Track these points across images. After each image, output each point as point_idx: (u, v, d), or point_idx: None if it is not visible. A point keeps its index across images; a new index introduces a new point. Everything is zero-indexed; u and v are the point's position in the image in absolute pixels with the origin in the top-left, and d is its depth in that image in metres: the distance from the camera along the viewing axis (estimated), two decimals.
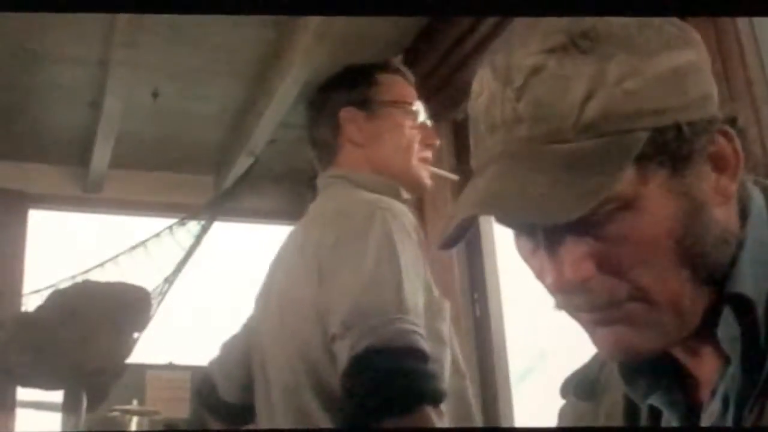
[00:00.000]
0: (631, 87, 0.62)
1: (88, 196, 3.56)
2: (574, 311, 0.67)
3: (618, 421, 0.75)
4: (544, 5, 0.70)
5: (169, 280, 3.21)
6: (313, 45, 2.49)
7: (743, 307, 0.63)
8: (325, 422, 1.31)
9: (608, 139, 0.62)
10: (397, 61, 1.66)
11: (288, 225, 1.55)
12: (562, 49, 0.64)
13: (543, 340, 2.55)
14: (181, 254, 3.28)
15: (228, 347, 1.58)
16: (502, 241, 2.66)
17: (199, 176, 3.63)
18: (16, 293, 3.23)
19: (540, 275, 0.67)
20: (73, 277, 3.11)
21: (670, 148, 0.63)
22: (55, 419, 2.87)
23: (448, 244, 0.67)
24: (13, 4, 1.07)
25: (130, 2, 1.13)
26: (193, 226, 3.35)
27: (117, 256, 3.20)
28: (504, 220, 0.67)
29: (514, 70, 0.65)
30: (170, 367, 3.30)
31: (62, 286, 3.03)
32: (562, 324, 0.72)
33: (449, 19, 2.45)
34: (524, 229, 0.67)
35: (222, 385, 1.54)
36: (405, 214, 1.38)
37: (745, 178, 0.68)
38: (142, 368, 3.18)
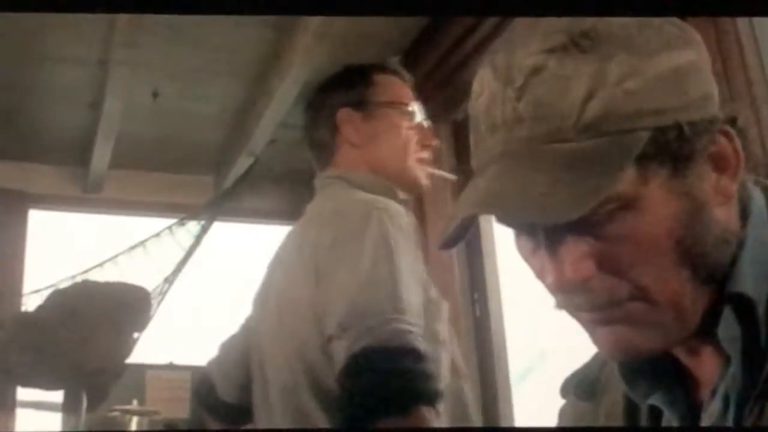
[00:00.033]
0: (631, 87, 0.62)
1: (88, 196, 3.56)
2: (574, 311, 0.67)
3: (618, 421, 0.75)
4: (544, 5, 0.70)
5: (169, 280, 3.21)
6: (313, 45, 2.49)
7: (744, 306, 0.63)
8: (323, 422, 1.31)
9: (609, 138, 0.62)
10: (395, 61, 1.66)
11: (288, 225, 1.55)
12: (563, 49, 0.64)
13: (543, 340, 2.56)
14: (180, 254, 3.28)
15: (226, 347, 1.58)
16: (502, 241, 2.66)
17: (199, 176, 3.63)
18: (16, 293, 3.23)
19: (540, 275, 0.67)
20: (73, 277, 3.10)
21: (671, 148, 0.63)
22: (55, 419, 2.87)
23: (449, 243, 0.67)
24: (13, 4, 1.07)
25: (130, 2, 1.13)
26: (193, 227, 3.35)
27: (116, 256, 3.20)
28: (504, 220, 0.67)
29: (515, 70, 0.65)
30: (170, 367, 3.30)
31: (62, 286, 3.03)
32: (562, 324, 0.72)
33: (449, 19, 2.45)
34: (525, 228, 0.67)
35: (220, 385, 1.55)
36: (402, 215, 1.38)
37: (745, 179, 0.69)
38: (142, 368, 3.18)
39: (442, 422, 1.29)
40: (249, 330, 1.53)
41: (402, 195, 1.51)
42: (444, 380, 1.34)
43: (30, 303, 3.10)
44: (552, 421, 0.85)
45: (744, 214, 0.68)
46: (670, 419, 0.70)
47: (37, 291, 3.13)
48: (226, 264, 3.47)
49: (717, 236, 0.65)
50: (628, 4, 0.67)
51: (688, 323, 0.65)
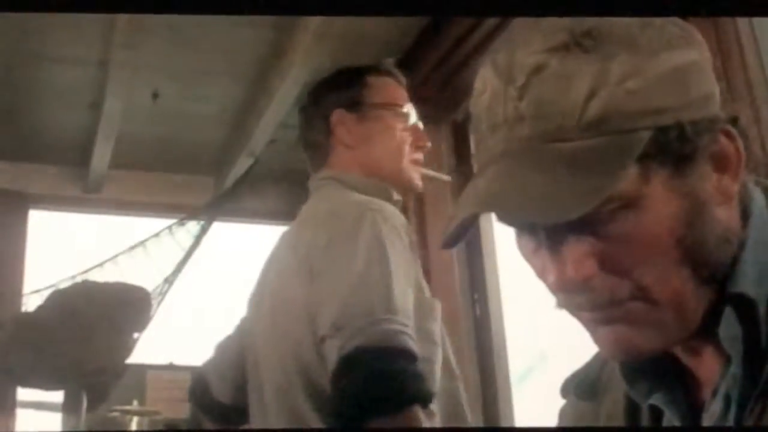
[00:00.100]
0: (633, 86, 0.62)
1: (88, 196, 3.56)
2: (575, 310, 0.67)
3: (619, 421, 0.75)
4: (544, 5, 0.70)
5: (169, 281, 3.21)
6: (313, 45, 2.49)
7: (745, 306, 0.63)
8: (317, 422, 1.32)
9: (610, 138, 0.62)
10: (389, 63, 1.67)
11: (287, 225, 1.56)
12: (565, 48, 0.64)
13: (543, 341, 2.56)
14: (180, 254, 3.28)
15: (222, 348, 1.58)
16: (502, 241, 2.67)
17: (198, 177, 3.63)
18: (16, 293, 3.23)
19: (541, 274, 0.67)
20: (73, 277, 3.11)
21: (673, 147, 0.63)
22: (55, 419, 2.87)
23: (450, 243, 0.67)
24: (13, 4, 1.07)
25: (130, 2, 1.13)
26: (193, 227, 3.35)
27: (116, 256, 3.20)
28: (505, 219, 0.67)
29: (517, 69, 0.65)
30: (171, 367, 3.30)
31: (62, 286, 3.03)
32: (563, 324, 0.72)
33: (449, 19, 2.45)
34: (526, 228, 0.67)
35: (216, 385, 1.55)
36: (395, 216, 1.39)
37: (746, 179, 0.69)
38: (142, 368, 3.18)
39: (436, 422, 1.30)
40: (244, 331, 1.54)
41: (396, 196, 1.51)
42: (437, 380, 1.35)
43: (30, 303, 3.10)
44: (552, 422, 0.85)
45: (745, 214, 0.68)
46: (671, 419, 0.70)
47: (37, 291, 3.13)
48: (226, 264, 3.47)
49: (718, 236, 0.65)
50: (628, 4, 0.67)
51: (688, 323, 0.65)
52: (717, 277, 0.65)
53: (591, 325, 0.67)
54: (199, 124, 3.26)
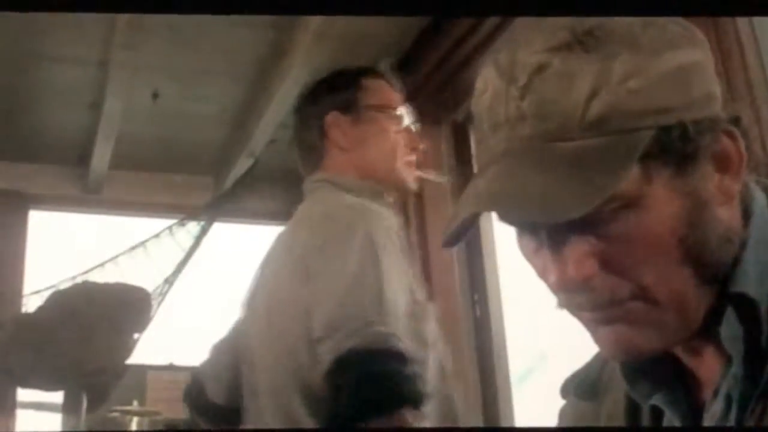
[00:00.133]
0: (635, 86, 0.62)
1: (88, 196, 3.56)
2: (576, 310, 0.67)
3: (620, 421, 0.75)
4: (544, 5, 0.70)
5: (169, 281, 3.21)
6: (313, 45, 2.49)
7: (746, 306, 0.63)
8: (311, 423, 1.32)
9: (612, 137, 0.62)
10: (384, 65, 1.67)
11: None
12: (567, 48, 0.64)
13: (543, 341, 2.55)
14: (180, 255, 3.28)
15: (217, 349, 1.58)
16: (502, 242, 2.66)
17: (198, 177, 3.63)
18: (16, 293, 3.23)
19: (543, 274, 0.67)
20: (73, 277, 3.11)
21: (675, 147, 0.63)
22: (55, 420, 2.87)
23: (450, 242, 0.67)
24: (13, 4, 1.07)
25: (130, 2, 1.13)
26: (193, 227, 3.35)
27: (117, 256, 3.21)
28: (507, 219, 0.67)
29: (519, 68, 0.65)
30: (171, 367, 3.30)
31: (62, 286, 3.03)
32: (563, 325, 0.72)
33: (449, 19, 2.45)
34: (527, 227, 0.67)
35: (211, 387, 1.55)
36: (388, 218, 1.39)
37: (747, 179, 0.68)
38: (142, 369, 3.18)
39: (430, 423, 1.31)
40: (239, 332, 1.54)
41: (390, 198, 1.52)
42: (431, 382, 1.35)
43: (30, 304, 3.10)
44: (552, 422, 0.85)
45: (746, 214, 0.68)
46: (671, 419, 0.70)
47: (37, 292, 3.13)
48: (227, 265, 3.47)
49: (720, 236, 0.65)
50: (628, 4, 0.66)
51: (689, 323, 0.65)
52: (718, 276, 0.65)
53: (592, 325, 0.67)
54: (199, 125, 3.26)
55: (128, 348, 2.90)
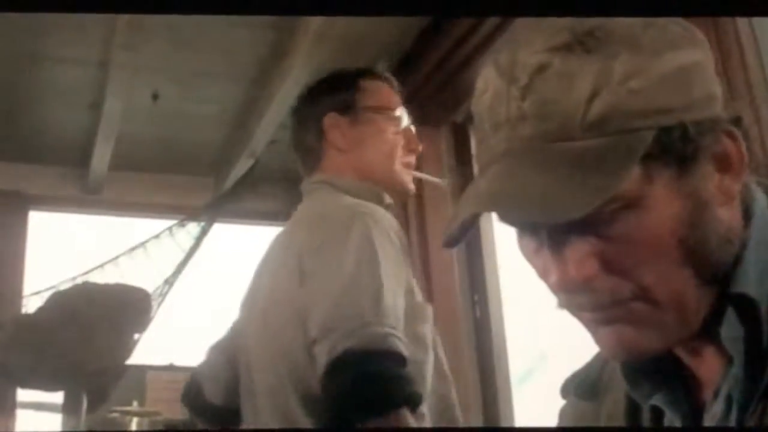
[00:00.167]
0: (636, 86, 0.62)
1: (88, 197, 3.56)
2: (576, 311, 0.67)
3: (620, 421, 0.75)
4: (544, 5, 0.70)
5: (170, 282, 3.21)
6: (314, 46, 2.49)
7: (746, 307, 0.63)
8: (308, 423, 1.33)
9: (613, 138, 0.62)
10: (382, 67, 1.67)
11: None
12: (567, 48, 0.64)
13: (543, 342, 2.55)
14: (181, 256, 3.28)
15: (215, 350, 1.59)
16: (502, 242, 2.67)
17: (199, 177, 3.63)
18: (16, 294, 3.23)
19: (543, 274, 0.67)
20: (74, 278, 3.11)
21: (675, 147, 0.63)
22: (55, 420, 2.87)
23: (451, 242, 0.67)
24: (13, 4, 1.07)
25: (130, 2, 1.13)
26: (193, 228, 3.35)
27: (117, 257, 3.21)
28: (507, 219, 0.67)
29: (519, 68, 0.65)
30: (171, 368, 3.30)
31: (62, 287, 3.03)
32: (563, 325, 0.72)
33: (450, 20, 2.45)
34: (527, 227, 0.67)
35: (208, 387, 1.55)
36: (386, 219, 1.39)
37: (748, 179, 0.68)
38: (142, 369, 3.18)
39: (427, 424, 1.31)
40: (237, 332, 1.54)
41: (388, 199, 1.52)
42: (428, 383, 1.36)
43: (30, 305, 3.10)
44: (552, 423, 0.85)
45: (746, 214, 0.68)
46: (672, 419, 0.70)
47: (37, 293, 3.13)
48: (227, 265, 3.47)
49: (720, 236, 0.65)
50: (628, 4, 0.66)
51: (690, 323, 0.65)
52: (719, 277, 0.65)
53: (592, 326, 0.67)
54: (200, 125, 3.26)
55: (128, 348, 2.90)
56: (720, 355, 0.66)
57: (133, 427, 2.99)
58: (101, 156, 3.27)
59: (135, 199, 3.59)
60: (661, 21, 0.66)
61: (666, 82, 0.63)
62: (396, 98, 1.60)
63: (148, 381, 3.23)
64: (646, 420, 0.73)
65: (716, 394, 0.66)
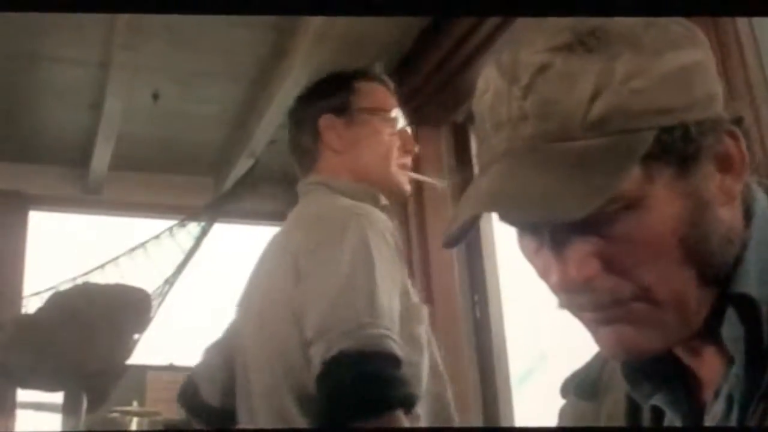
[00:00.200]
0: (637, 86, 0.62)
1: (88, 197, 3.56)
2: (577, 311, 0.67)
3: (620, 421, 0.74)
4: (545, 5, 0.70)
5: (170, 282, 3.21)
6: (314, 46, 2.49)
7: (747, 307, 0.63)
8: (303, 424, 1.33)
9: (615, 138, 0.62)
10: (378, 68, 1.68)
11: None
12: (569, 48, 0.64)
13: (543, 342, 2.55)
14: (181, 256, 3.28)
15: (211, 350, 1.59)
16: (502, 242, 2.67)
17: (199, 177, 3.63)
18: (16, 294, 3.23)
19: (544, 274, 0.66)
20: (74, 279, 3.11)
21: (677, 147, 0.63)
22: (55, 420, 2.87)
23: (452, 242, 0.67)
24: (13, 4, 1.07)
25: (131, 2, 1.13)
26: (193, 228, 3.35)
27: (117, 258, 3.21)
28: (508, 219, 0.67)
29: (521, 68, 0.65)
30: (171, 368, 3.30)
31: (62, 288, 3.03)
32: (563, 325, 0.72)
33: (450, 20, 2.45)
34: (528, 227, 0.67)
35: (205, 388, 1.56)
36: (382, 221, 1.40)
37: (749, 180, 0.68)
38: (142, 369, 3.18)
39: (422, 424, 1.32)
40: (233, 333, 1.55)
41: (384, 201, 1.52)
42: (423, 384, 1.36)
43: (30, 305, 3.10)
44: (552, 422, 0.85)
45: (747, 214, 0.68)
46: (672, 419, 0.70)
47: (37, 293, 3.13)
48: (227, 265, 3.47)
49: (721, 236, 0.65)
50: (628, 4, 0.66)
51: (691, 323, 0.65)
52: (719, 277, 0.65)
53: (593, 326, 0.67)
54: (200, 125, 3.26)
55: (128, 349, 2.90)
56: (721, 355, 0.66)
57: (133, 427, 2.99)
58: (101, 156, 3.27)
59: (135, 199, 3.59)
60: (663, 21, 0.66)
61: (667, 82, 0.63)
62: (391, 99, 1.61)
63: (148, 381, 3.23)
64: (646, 420, 0.73)
65: (717, 394, 0.66)
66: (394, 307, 1.31)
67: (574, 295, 0.65)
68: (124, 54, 2.60)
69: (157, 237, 3.28)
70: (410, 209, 2.72)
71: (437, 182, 1.95)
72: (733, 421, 0.63)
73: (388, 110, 1.58)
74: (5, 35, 2.60)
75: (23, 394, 3.06)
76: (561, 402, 0.83)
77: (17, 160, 3.40)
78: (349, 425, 1.22)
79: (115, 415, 2.98)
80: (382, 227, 1.37)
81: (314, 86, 1.63)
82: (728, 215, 0.66)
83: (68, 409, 2.80)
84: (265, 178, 3.44)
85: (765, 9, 0.86)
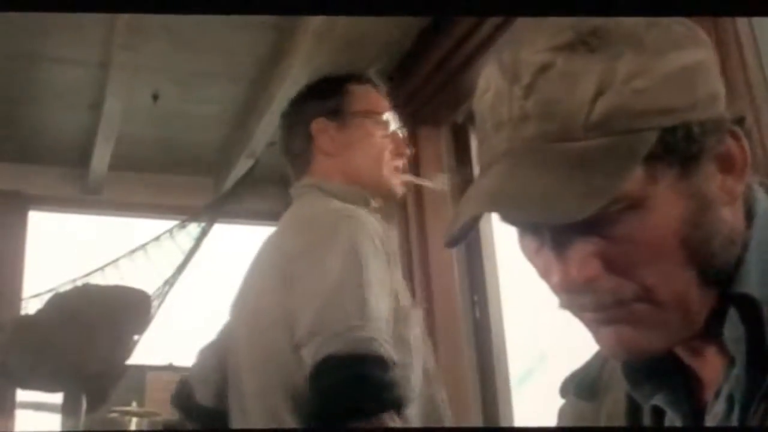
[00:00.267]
0: (640, 86, 0.62)
1: (88, 197, 3.56)
2: (578, 311, 0.67)
3: (620, 421, 0.74)
4: (545, 5, 0.70)
5: (170, 282, 3.21)
6: (313, 46, 2.49)
7: (749, 307, 0.63)
8: (295, 424, 1.34)
9: (617, 138, 0.62)
10: (370, 71, 1.68)
11: None
12: (571, 47, 0.64)
13: (543, 342, 2.55)
14: (180, 257, 3.28)
15: (205, 352, 1.59)
16: (502, 243, 2.66)
17: (199, 178, 3.63)
18: (15, 294, 3.23)
19: (545, 274, 0.66)
20: (74, 280, 3.10)
21: (679, 147, 0.63)
22: (55, 420, 2.87)
23: (453, 242, 0.67)
24: (13, 4, 1.07)
25: (131, 2, 1.13)
26: (193, 229, 3.35)
27: (117, 259, 3.20)
28: (509, 219, 0.67)
29: (522, 68, 0.65)
30: (170, 368, 3.29)
31: (62, 289, 3.03)
32: (563, 325, 0.71)
33: (450, 20, 2.45)
34: (529, 227, 0.67)
35: (199, 389, 1.56)
36: (372, 223, 1.40)
37: (750, 180, 0.68)
38: (142, 369, 3.18)
39: (414, 425, 1.32)
40: (227, 334, 1.55)
41: (375, 203, 1.53)
42: (414, 386, 1.36)
43: (30, 307, 3.10)
44: (552, 423, 0.85)
45: (749, 215, 0.68)
46: (673, 420, 0.70)
47: (37, 295, 3.13)
48: (227, 266, 3.47)
49: (723, 236, 0.65)
50: (628, 4, 0.66)
51: (692, 324, 0.65)
52: (721, 277, 0.64)
53: (593, 326, 0.67)
54: (200, 126, 3.26)
55: (128, 350, 2.90)
56: (721, 355, 0.66)
57: (133, 427, 2.99)
58: (101, 156, 3.26)
59: (135, 199, 3.59)
60: (665, 21, 0.65)
61: (670, 82, 0.63)
62: (384, 102, 1.61)
63: (148, 381, 3.23)
64: (646, 420, 0.73)
65: (718, 395, 0.66)
66: (383, 309, 1.32)
67: (575, 295, 0.65)
68: (124, 54, 2.60)
69: (157, 239, 3.28)
70: (410, 209, 2.72)
71: (432, 184, 1.95)
72: (733, 422, 0.63)
73: (380, 113, 1.59)
74: (5, 35, 2.59)
75: (23, 395, 3.06)
76: (561, 402, 0.83)
77: (17, 160, 3.40)
78: (339, 427, 1.23)
79: (114, 415, 2.98)
80: (371, 230, 1.38)
81: (307, 89, 1.64)
82: (730, 216, 0.66)
83: (68, 409, 2.80)
84: (265, 179, 3.43)
85: (765, 9, 0.86)
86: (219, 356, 1.53)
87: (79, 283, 3.08)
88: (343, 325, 1.27)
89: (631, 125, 0.62)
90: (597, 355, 0.79)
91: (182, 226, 3.33)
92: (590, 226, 0.62)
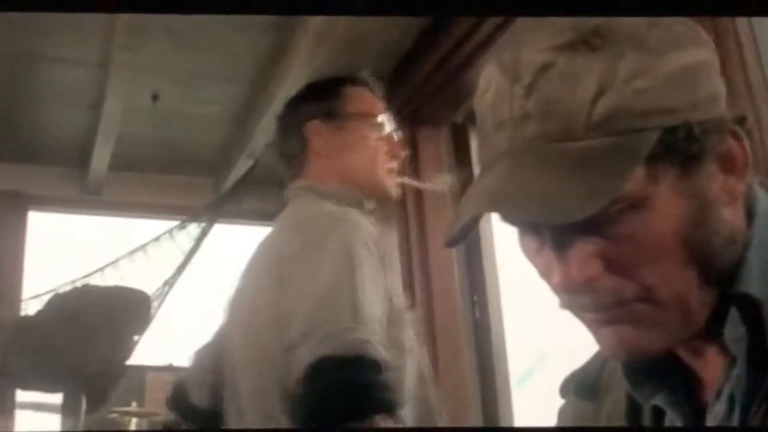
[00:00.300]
0: (641, 85, 0.62)
1: (87, 197, 3.55)
2: (578, 311, 0.67)
3: (620, 421, 0.74)
4: (545, 5, 0.70)
5: (169, 283, 3.21)
6: (313, 46, 2.49)
7: (749, 307, 0.63)
8: (290, 424, 1.33)
9: (618, 138, 0.62)
10: (365, 73, 1.69)
11: None
12: (572, 47, 0.64)
13: (543, 342, 2.55)
14: (180, 257, 3.28)
15: (201, 354, 1.59)
16: (502, 243, 2.66)
17: (198, 178, 3.63)
18: (15, 294, 3.23)
19: (545, 274, 0.66)
20: (74, 281, 3.10)
21: (680, 147, 0.63)
22: (55, 421, 2.87)
23: (453, 242, 0.67)
24: (13, 4, 1.07)
25: (131, 2, 1.13)
26: (193, 229, 3.35)
27: (117, 260, 3.20)
28: (510, 219, 0.67)
29: (523, 67, 0.65)
30: (170, 368, 3.29)
31: (62, 290, 3.03)
32: (563, 326, 0.71)
33: (450, 19, 2.45)
34: (530, 227, 0.67)
35: (194, 391, 1.56)
36: (365, 226, 1.41)
37: (751, 180, 0.68)
38: (142, 370, 3.18)
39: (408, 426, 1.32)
40: (222, 335, 1.55)
41: (369, 205, 1.53)
42: (408, 388, 1.36)
43: (30, 308, 3.10)
44: (552, 423, 0.85)
45: (750, 215, 0.68)
46: (673, 420, 0.70)
47: (37, 296, 3.13)
48: (227, 266, 3.47)
49: (725, 236, 0.65)
50: (629, 4, 0.66)
51: (693, 323, 0.65)
52: (722, 277, 0.64)
53: (594, 326, 0.67)
54: (199, 126, 3.26)
55: (128, 350, 2.90)
56: (722, 355, 0.66)
57: (132, 427, 2.99)
58: (101, 156, 3.26)
59: (135, 199, 3.59)
60: (666, 20, 0.65)
61: (671, 82, 0.63)
62: (379, 104, 1.62)
63: (148, 382, 3.23)
64: (647, 420, 0.73)
65: (718, 395, 0.66)
66: (376, 311, 1.32)
67: (576, 295, 0.65)
68: (124, 54, 2.60)
69: (156, 239, 3.28)
70: (410, 210, 2.71)
71: (427, 186, 1.95)
72: (734, 422, 0.63)
73: (375, 115, 1.59)
74: (5, 35, 2.59)
75: (23, 395, 3.06)
76: (561, 402, 0.83)
77: (17, 160, 3.39)
78: (337, 427, 1.23)
79: (114, 415, 2.98)
80: (365, 232, 1.38)
81: (301, 92, 1.65)
82: (731, 215, 0.66)
83: (67, 409, 2.80)
84: (265, 179, 3.43)
85: (765, 9, 0.86)
86: (214, 357, 1.53)
87: (78, 283, 3.08)
88: (335, 327, 1.27)
89: (633, 125, 0.62)
90: (597, 355, 0.79)
91: (182, 226, 3.32)
92: (591, 226, 0.62)
